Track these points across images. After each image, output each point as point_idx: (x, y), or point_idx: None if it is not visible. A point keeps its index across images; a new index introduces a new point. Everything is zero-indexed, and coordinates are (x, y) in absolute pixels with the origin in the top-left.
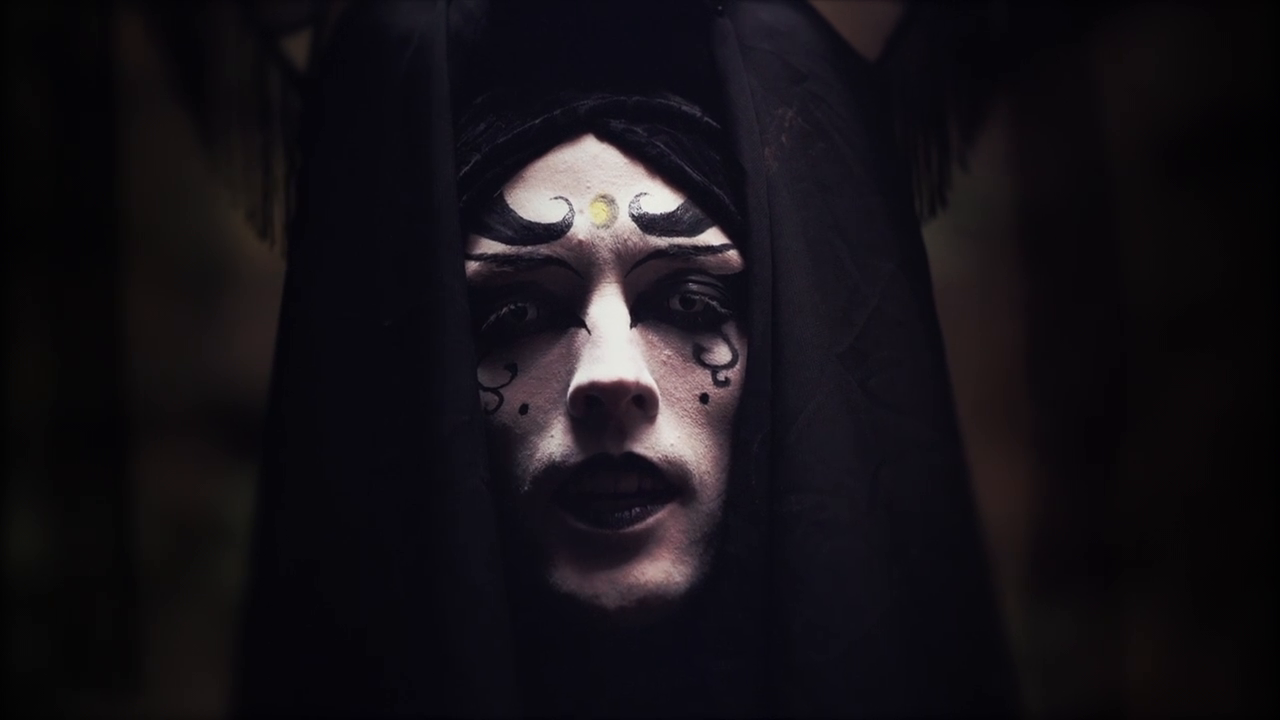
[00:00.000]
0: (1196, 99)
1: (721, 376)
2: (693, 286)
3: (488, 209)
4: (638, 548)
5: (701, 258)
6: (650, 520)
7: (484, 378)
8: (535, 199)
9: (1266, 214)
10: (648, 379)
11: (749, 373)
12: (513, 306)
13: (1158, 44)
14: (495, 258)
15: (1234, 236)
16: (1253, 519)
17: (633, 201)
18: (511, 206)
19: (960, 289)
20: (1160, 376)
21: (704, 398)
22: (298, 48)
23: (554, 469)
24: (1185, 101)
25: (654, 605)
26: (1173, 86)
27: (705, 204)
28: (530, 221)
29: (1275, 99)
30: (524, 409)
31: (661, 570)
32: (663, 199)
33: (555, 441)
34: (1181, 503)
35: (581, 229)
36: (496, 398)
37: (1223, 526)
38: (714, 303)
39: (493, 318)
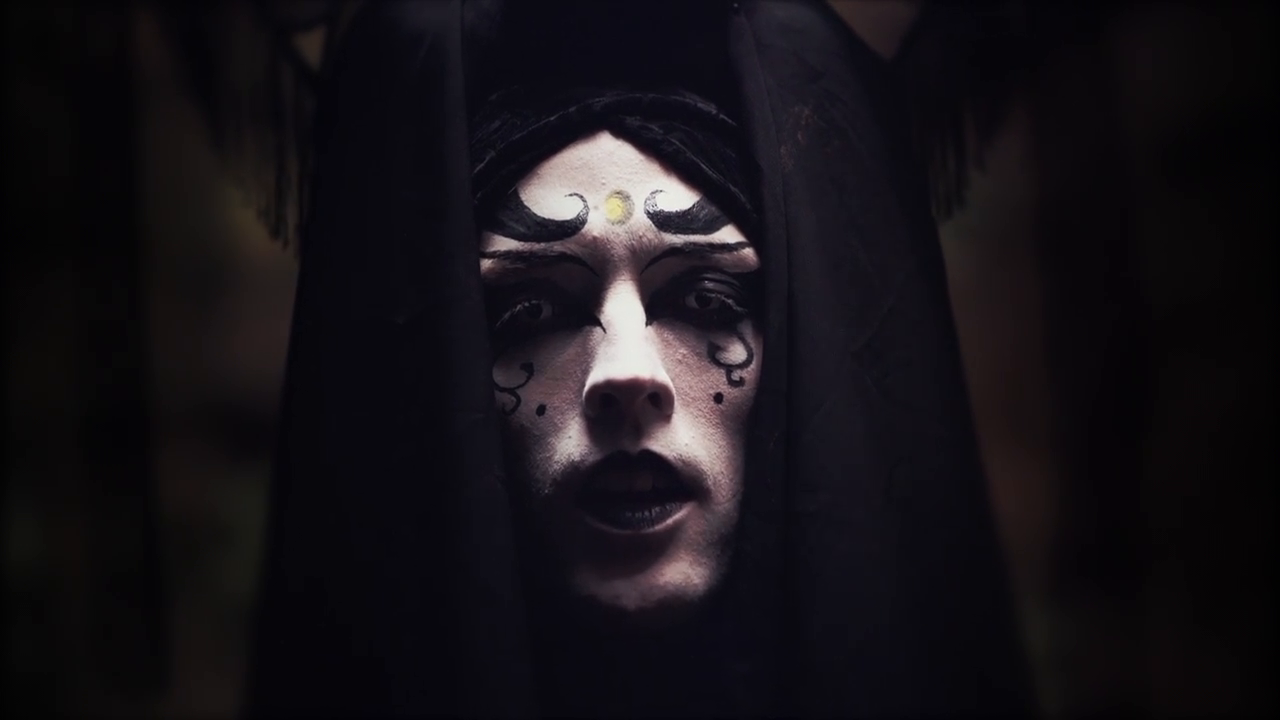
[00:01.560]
0: (1196, 99)
1: (736, 376)
2: (708, 284)
3: (502, 206)
4: (657, 549)
5: (717, 255)
6: (670, 521)
7: (500, 378)
8: (550, 196)
9: (1267, 214)
10: (663, 376)
11: (764, 371)
12: (527, 304)
13: (1158, 44)
14: (509, 254)
15: (1234, 237)
16: (1253, 520)
17: (648, 198)
18: (526, 203)
19: (975, 289)
20: (1160, 376)
21: (718, 397)
22: (311, 46)
23: (573, 470)
24: (1185, 101)
25: (674, 607)
26: (1173, 86)
27: (721, 201)
28: (544, 218)
29: (1275, 99)
30: (541, 410)
31: (680, 572)
32: (678, 196)
33: (572, 442)
34: (1182, 503)
35: (596, 225)
36: (513, 399)
37: (1223, 527)
38: (729, 301)
39: (507, 315)
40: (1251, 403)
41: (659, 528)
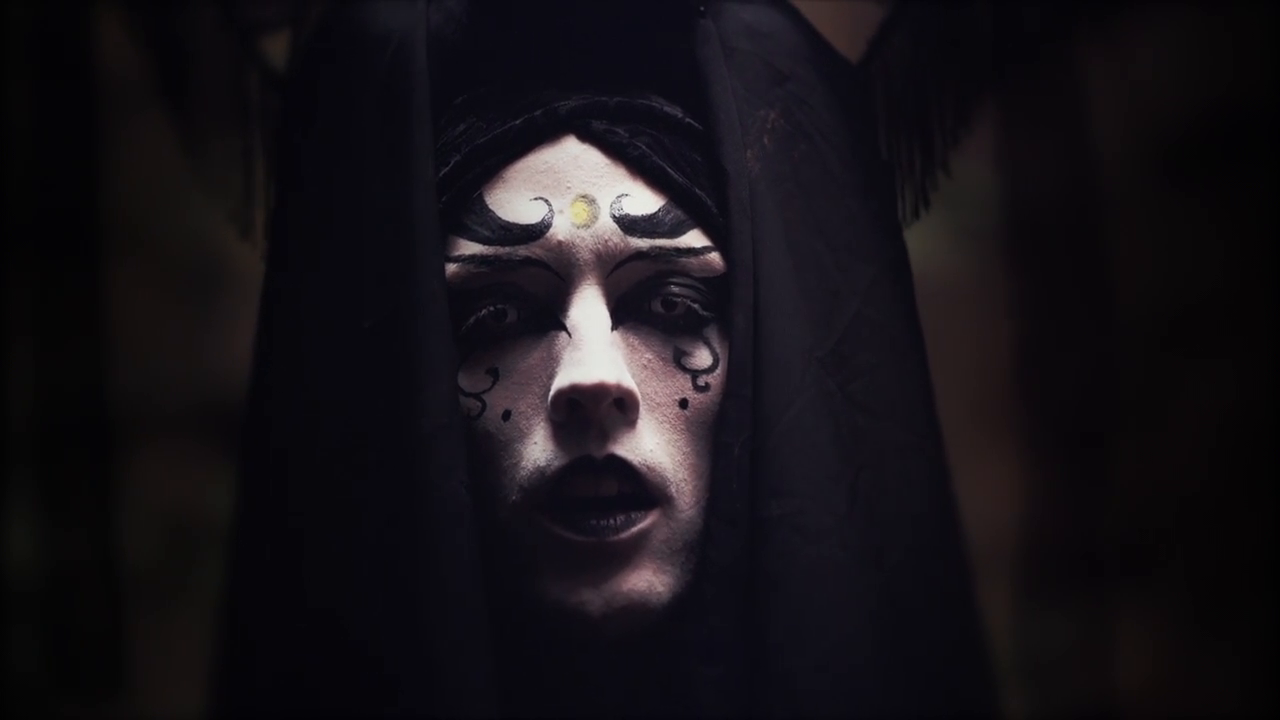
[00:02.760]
0: (1196, 99)
1: (701, 381)
2: (674, 289)
3: (467, 210)
4: (622, 558)
5: (683, 260)
6: (634, 530)
7: (466, 383)
8: (515, 200)
9: (1266, 214)
10: (629, 381)
11: (730, 376)
12: (492, 308)
13: (1157, 44)
14: (473, 259)
15: (1233, 237)
16: (1252, 522)
17: (614, 202)
18: (491, 207)
19: (955, 289)
20: (1158, 378)
21: (683, 403)
22: (277, 48)
23: (538, 475)
24: (1185, 101)
25: (638, 614)
26: (1172, 86)
27: (687, 206)
28: (509, 222)
29: (1275, 99)
30: (506, 415)
31: (644, 580)
32: (644, 200)
33: (538, 448)
34: (1180, 506)
35: (561, 229)
36: (479, 404)
37: (1221, 529)
38: (695, 305)
39: (472, 319)
40: (1251, 403)
41: (623, 536)
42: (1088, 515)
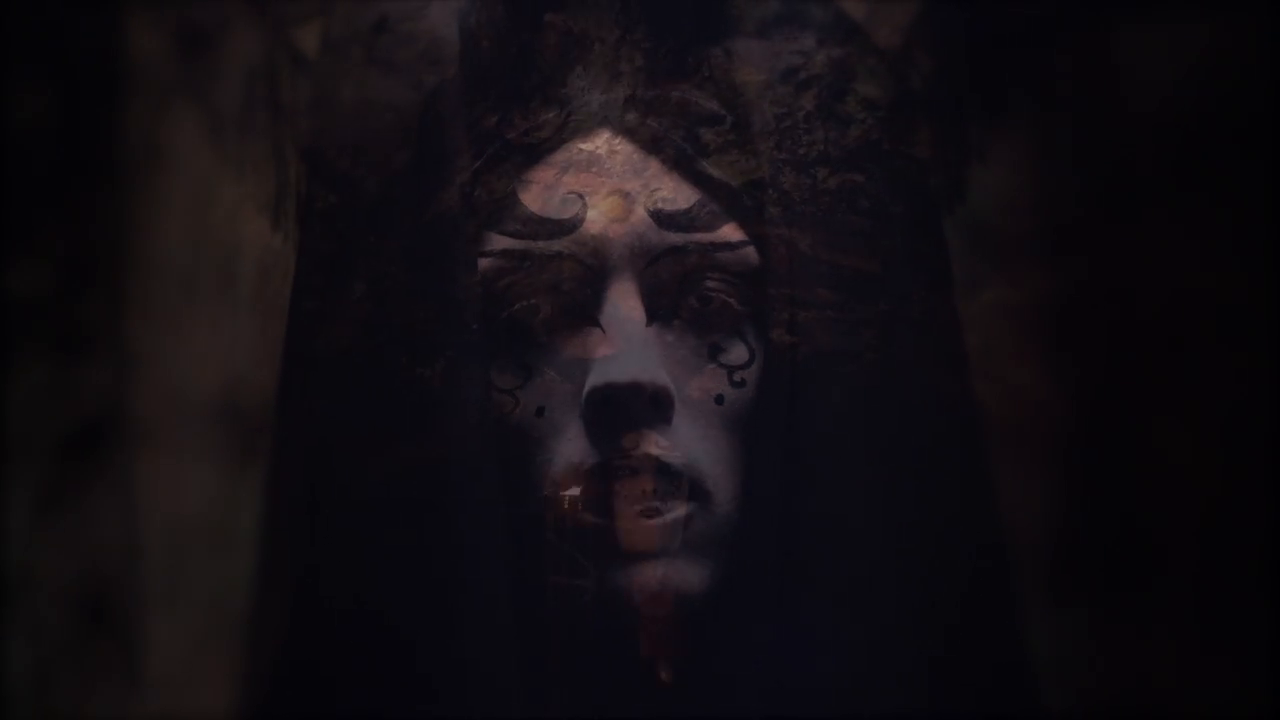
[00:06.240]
0: (1196, 99)
1: (738, 377)
2: (710, 284)
3: (500, 205)
4: (657, 545)
5: (719, 254)
6: (670, 518)
7: (499, 380)
8: (548, 194)
9: (1267, 214)
10: (664, 379)
11: (766, 372)
12: (525, 303)
13: (1158, 44)
14: (506, 253)
15: (1234, 237)
16: (1254, 521)
17: (649, 197)
18: (524, 202)
19: (975, 287)
20: (1161, 377)
21: (719, 398)
22: (308, 39)
23: (572, 472)
24: (1185, 101)
25: (671, 603)
26: (1173, 86)
27: (722, 199)
28: (543, 216)
29: (1275, 99)
30: (540, 411)
31: (678, 569)
32: (679, 194)
33: (572, 444)
34: (1182, 504)
35: (595, 224)
36: (512, 400)
37: (1224, 528)
38: (731, 300)
39: (505, 314)
40: (1251, 403)
41: (657, 523)
42: (1107, 518)
